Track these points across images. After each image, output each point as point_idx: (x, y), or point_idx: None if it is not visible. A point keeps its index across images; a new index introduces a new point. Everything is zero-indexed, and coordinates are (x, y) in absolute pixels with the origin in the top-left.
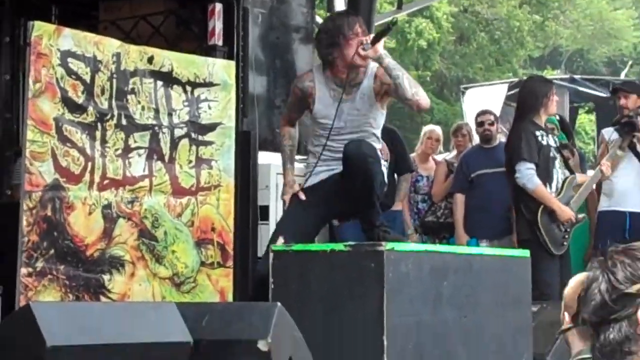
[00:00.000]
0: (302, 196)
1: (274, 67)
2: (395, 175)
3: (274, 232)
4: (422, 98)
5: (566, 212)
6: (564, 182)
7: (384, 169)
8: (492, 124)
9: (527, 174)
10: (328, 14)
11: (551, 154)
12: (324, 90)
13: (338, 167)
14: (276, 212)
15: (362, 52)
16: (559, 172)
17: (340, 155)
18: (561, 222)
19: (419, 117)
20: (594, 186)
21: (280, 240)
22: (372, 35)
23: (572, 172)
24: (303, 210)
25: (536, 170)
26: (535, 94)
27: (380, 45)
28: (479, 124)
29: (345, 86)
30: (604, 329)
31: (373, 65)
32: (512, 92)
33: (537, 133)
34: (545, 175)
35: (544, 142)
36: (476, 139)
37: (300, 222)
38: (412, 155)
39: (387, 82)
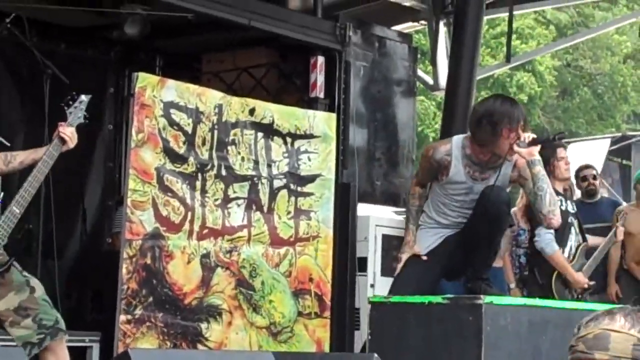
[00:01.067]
0: (425, 258)
1: (374, 119)
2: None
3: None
4: (556, 218)
5: (579, 280)
6: (577, 248)
7: None
8: (594, 178)
9: (546, 238)
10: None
11: (569, 220)
12: (460, 167)
13: (453, 231)
14: (374, 264)
15: (516, 148)
16: (573, 238)
17: (457, 222)
18: (574, 288)
19: None
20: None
21: None
22: (531, 136)
23: (585, 238)
24: (424, 273)
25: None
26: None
27: (536, 150)
28: (582, 179)
29: (483, 168)
30: None
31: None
32: (615, 147)
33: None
34: (561, 240)
35: (563, 208)
36: (577, 194)
37: (421, 283)
38: (514, 209)
39: (526, 177)
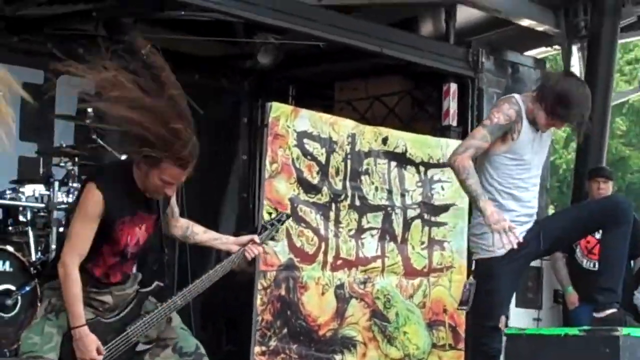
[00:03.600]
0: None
1: None
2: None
3: (494, 307)
4: None
5: None
6: None
7: None
8: None
9: None
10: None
11: None
12: (526, 125)
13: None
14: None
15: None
16: None
17: (528, 205)
18: None
19: None
20: None
21: (503, 320)
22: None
23: None
24: (516, 279)
25: None
26: None
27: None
28: None
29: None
30: None
31: None
32: None
33: None
34: None
35: None
36: None
37: (515, 290)
38: None
39: None
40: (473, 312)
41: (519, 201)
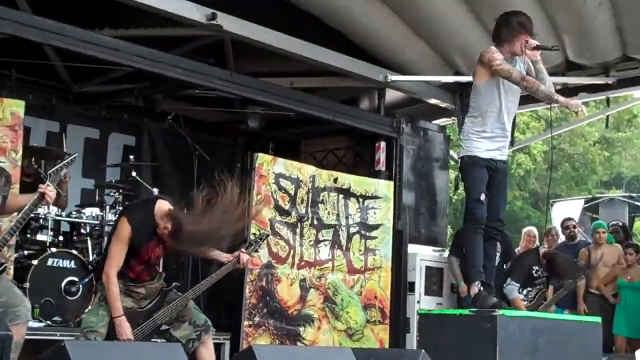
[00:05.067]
0: None
1: (420, 186)
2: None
3: (476, 186)
4: (554, 91)
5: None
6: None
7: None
8: (574, 227)
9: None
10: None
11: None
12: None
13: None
14: (420, 287)
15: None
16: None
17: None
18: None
19: (520, 221)
20: None
21: (483, 196)
22: (535, 42)
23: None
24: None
25: None
26: None
27: (538, 53)
28: (565, 227)
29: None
30: None
31: None
32: (587, 205)
33: None
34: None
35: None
36: (562, 238)
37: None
38: (517, 249)
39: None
40: (466, 191)
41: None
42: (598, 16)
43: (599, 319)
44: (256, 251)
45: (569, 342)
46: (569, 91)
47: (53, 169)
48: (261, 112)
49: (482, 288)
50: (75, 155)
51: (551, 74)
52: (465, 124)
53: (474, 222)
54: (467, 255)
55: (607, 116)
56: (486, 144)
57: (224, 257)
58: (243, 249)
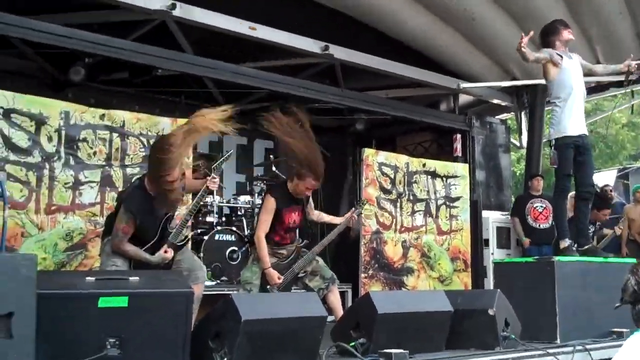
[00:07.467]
0: None
1: (488, 166)
2: None
3: (565, 164)
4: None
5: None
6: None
7: None
8: (611, 191)
9: None
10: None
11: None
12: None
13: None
14: (493, 242)
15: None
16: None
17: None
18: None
19: None
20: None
21: (571, 171)
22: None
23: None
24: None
25: None
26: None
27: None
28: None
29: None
30: (636, 305)
31: None
32: (620, 174)
33: None
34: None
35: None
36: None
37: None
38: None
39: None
40: (557, 168)
41: None
42: (621, 25)
43: (635, 260)
44: (360, 214)
45: (612, 279)
46: (601, 87)
47: (215, 164)
48: (365, 117)
49: (569, 242)
50: (231, 152)
51: (588, 74)
52: (553, 110)
53: (563, 192)
54: (558, 217)
55: (632, 105)
56: (572, 123)
57: (337, 219)
58: (350, 212)
